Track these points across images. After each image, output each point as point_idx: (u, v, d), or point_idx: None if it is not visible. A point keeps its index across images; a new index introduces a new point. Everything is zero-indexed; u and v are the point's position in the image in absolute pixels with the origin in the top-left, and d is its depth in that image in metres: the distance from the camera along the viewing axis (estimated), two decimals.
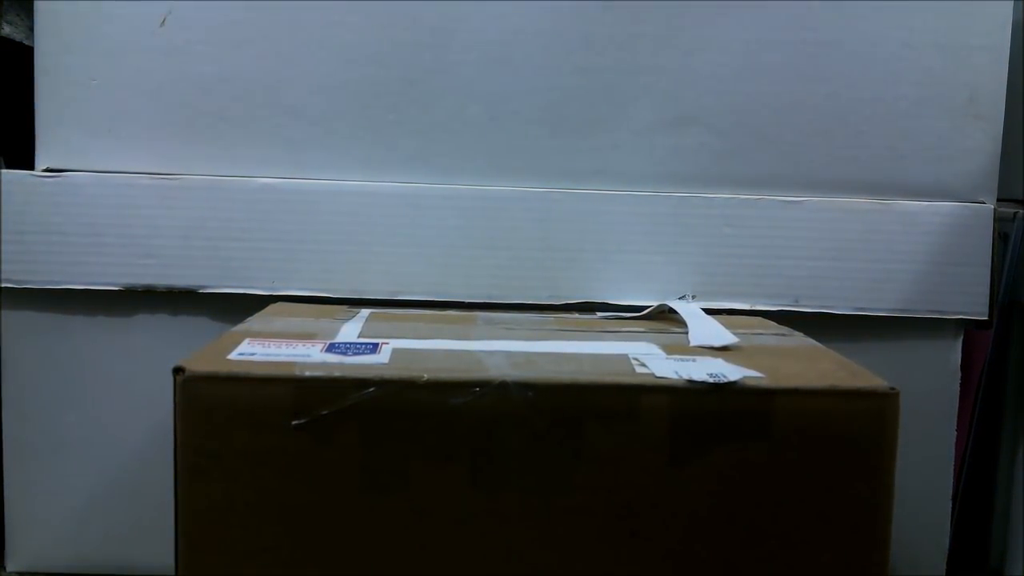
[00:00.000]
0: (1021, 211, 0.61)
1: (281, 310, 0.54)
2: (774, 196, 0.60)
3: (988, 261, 0.60)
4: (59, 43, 0.58)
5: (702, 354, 0.44)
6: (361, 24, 0.59)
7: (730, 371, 0.40)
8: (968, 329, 0.61)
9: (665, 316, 0.56)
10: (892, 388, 0.39)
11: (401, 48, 0.59)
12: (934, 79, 0.60)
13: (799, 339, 0.50)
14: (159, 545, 0.57)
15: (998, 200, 0.61)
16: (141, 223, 0.58)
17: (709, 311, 0.54)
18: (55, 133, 0.59)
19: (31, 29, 0.60)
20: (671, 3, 0.59)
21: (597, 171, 0.60)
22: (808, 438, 0.39)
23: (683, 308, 0.54)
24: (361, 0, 0.58)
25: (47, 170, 0.58)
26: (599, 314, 0.58)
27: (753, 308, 0.59)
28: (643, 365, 0.41)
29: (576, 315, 0.58)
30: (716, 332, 0.49)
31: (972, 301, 0.60)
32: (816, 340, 0.49)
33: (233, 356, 0.40)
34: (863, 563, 0.39)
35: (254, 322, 0.49)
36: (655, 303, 0.57)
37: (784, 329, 0.53)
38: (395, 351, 0.42)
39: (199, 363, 0.38)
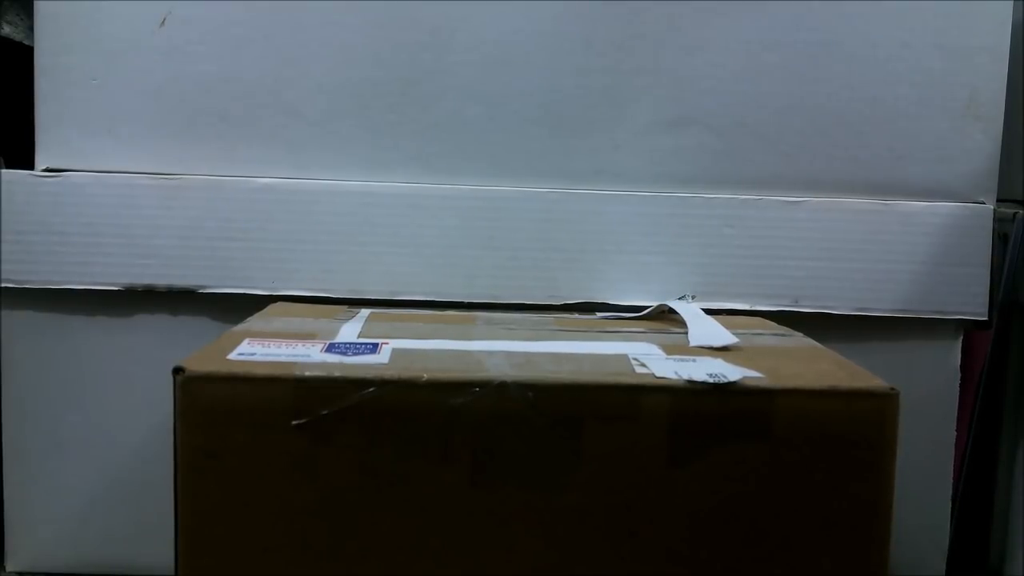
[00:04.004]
0: (1021, 211, 0.61)
1: (281, 310, 0.54)
2: (774, 196, 0.60)
3: (988, 261, 0.60)
4: (59, 43, 0.58)
5: (702, 354, 0.44)
6: (361, 24, 0.59)
7: (730, 371, 0.40)
8: (968, 329, 0.61)
9: (665, 316, 0.56)
10: (892, 388, 0.39)
11: (401, 48, 0.59)
12: (934, 79, 0.60)
13: (799, 339, 0.50)
14: (159, 545, 0.57)
15: (998, 200, 0.61)
16: (141, 223, 0.58)
17: (709, 311, 0.54)
18: (55, 133, 0.59)
19: (31, 29, 0.60)
20: (671, 4, 0.59)
21: (597, 171, 0.60)
22: (808, 438, 0.39)
23: (683, 308, 0.54)
24: (361, 0, 0.58)
25: (47, 170, 0.58)
26: (599, 314, 0.58)
27: (753, 308, 0.59)
28: (643, 365, 0.41)
29: (576, 315, 0.58)
30: (716, 332, 0.49)
31: (972, 301, 0.60)
32: (816, 340, 0.49)
33: (233, 356, 0.40)
34: (863, 563, 0.39)
35: (254, 322, 0.49)
36: (655, 303, 0.57)
37: (784, 329, 0.53)
38: (395, 351, 0.42)
39: (199, 363, 0.38)
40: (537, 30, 0.59)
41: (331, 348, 0.42)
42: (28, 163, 0.59)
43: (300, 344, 0.42)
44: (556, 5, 0.59)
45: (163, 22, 0.58)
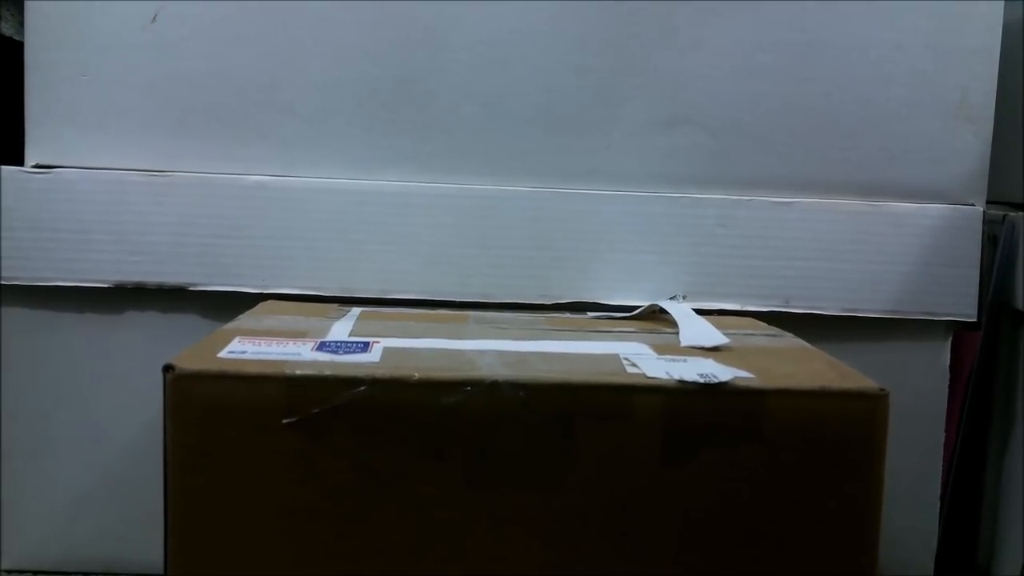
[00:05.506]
0: (1010, 213, 0.62)
1: (272, 308, 0.54)
2: (766, 197, 0.60)
3: (977, 263, 0.60)
4: (50, 39, 0.58)
5: (693, 354, 0.44)
6: (355, 22, 0.58)
7: (721, 371, 0.40)
8: (957, 330, 0.61)
9: (656, 316, 0.56)
10: (882, 389, 0.39)
11: (395, 47, 0.59)
12: (925, 81, 0.60)
13: (789, 340, 0.50)
14: (151, 543, 0.57)
15: (987, 202, 0.61)
16: (131, 220, 0.58)
17: (700, 311, 0.54)
18: (45, 129, 0.58)
19: (23, 24, 0.60)
20: (665, 4, 0.59)
21: (590, 171, 0.60)
22: (798, 438, 0.39)
23: (674, 308, 0.54)
24: None
25: (37, 166, 0.58)
26: (590, 314, 0.58)
27: (744, 309, 0.60)
28: (634, 365, 0.41)
29: (567, 315, 0.58)
30: (707, 332, 0.49)
31: (961, 303, 0.60)
32: (806, 341, 0.50)
33: (224, 354, 0.40)
34: (853, 563, 0.39)
35: (245, 320, 0.49)
36: (646, 303, 0.57)
37: (774, 330, 0.53)
38: (386, 350, 0.42)
39: (189, 361, 0.38)
40: (532, 29, 0.59)
41: (322, 346, 0.42)
42: (18, 159, 0.58)
43: (291, 342, 0.42)
44: (551, 5, 0.59)
45: (154, 18, 0.58)
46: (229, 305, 0.56)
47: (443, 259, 0.59)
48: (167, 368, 0.38)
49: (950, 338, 0.61)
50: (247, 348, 0.41)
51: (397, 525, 0.38)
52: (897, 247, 0.60)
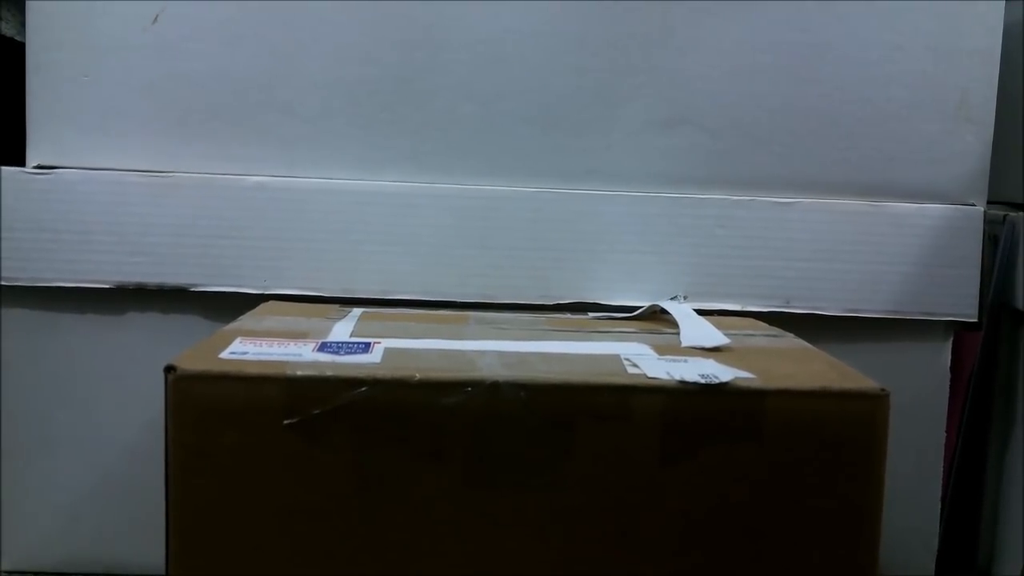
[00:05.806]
0: (1011, 213, 0.62)
1: (272, 309, 0.54)
2: (766, 197, 0.60)
3: (978, 263, 0.60)
4: (51, 39, 0.58)
5: (693, 355, 0.45)
6: (355, 23, 0.58)
7: (721, 372, 0.40)
8: (957, 331, 0.61)
9: (657, 317, 0.56)
10: (882, 389, 0.39)
11: (394, 47, 0.59)
12: (925, 81, 0.60)
13: (790, 340, 0.50)
14: (152, 544, 0.57)
15: (988, 202, 0.61)
16: (132, 221, 0.58)
17: (700, 312, 0.54)
18: (46, 130, 0.58)
19: (24, 25, 0.60)
20: (664, 4, 0.59)
21: (589, 171, 0.60)
22: (798, 439, 0.39)
23: (675, 309, 0.54)
24: None
25: (38, 167, 0.58)
26: (591, 314, 0.58)
27: (744, 309, 0.60)
28: (635, 365, 0.41)
29: (568, 315, 0.58)
30: (707, 333, 0.49)
31: (962, 303, 0.60)
32: (807, 341, 0.50)
33: (225, 355, 0.40)
34: (853, 563, 0.39)
35: (245, 321, 0.49)
36: (647, 303, 0.57)
37: (775, 330, 0.53)
38: (387, 351, 0.42)
39: (190, 362, 0.38)
40: (531, 29, 0.59)
41: (323, 347, 0.42)
42: (19, 160, 0.58)
43: (292, 343, 0.42)
44: (550, 4, 0.59)
45: (155, 19, 0.58)
46: (230, 306, 0.56)
47: (443, 259, 0.59)
48: (168, 369, 0.38)
49: (951, 338, 0.61)
50: (248, 349, 0.41)
51: (397, 525, 0.38)
52: (897, 247, 0.60)
